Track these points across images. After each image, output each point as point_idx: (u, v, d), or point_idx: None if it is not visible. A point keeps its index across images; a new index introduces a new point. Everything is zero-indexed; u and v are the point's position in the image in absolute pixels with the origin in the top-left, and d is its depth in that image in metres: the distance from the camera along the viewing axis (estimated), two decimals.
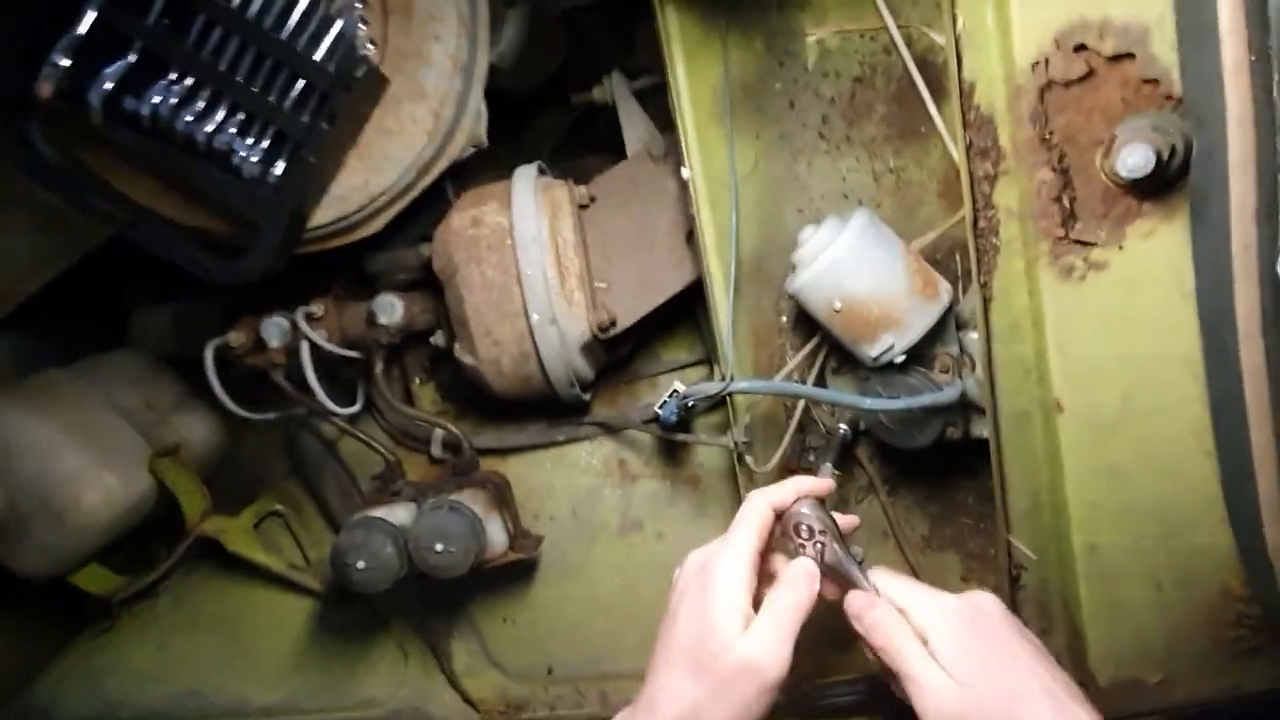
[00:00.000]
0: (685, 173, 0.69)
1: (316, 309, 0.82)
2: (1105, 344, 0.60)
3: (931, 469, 0.81)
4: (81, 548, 0.95)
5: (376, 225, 0.77)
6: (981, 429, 0.68)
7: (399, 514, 0.79)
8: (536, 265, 0.72)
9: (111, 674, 1.00)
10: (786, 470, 0.84)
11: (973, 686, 0.50)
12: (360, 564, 0.73)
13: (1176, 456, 0.60)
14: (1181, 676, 0.71)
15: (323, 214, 0.72)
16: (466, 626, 0.93)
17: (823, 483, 0.60)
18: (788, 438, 0.77)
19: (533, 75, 0.93)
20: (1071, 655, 0.74)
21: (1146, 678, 0.71)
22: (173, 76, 0.62)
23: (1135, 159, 0.48)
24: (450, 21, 0.68)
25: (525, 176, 0.77)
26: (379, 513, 0.78)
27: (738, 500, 0.81)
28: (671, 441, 0.88)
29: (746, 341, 0.79)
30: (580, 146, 0.99)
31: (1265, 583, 0.62)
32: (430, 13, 0.67)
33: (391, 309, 0.81)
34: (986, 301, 0.63)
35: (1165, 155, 0.50)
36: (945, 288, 0.66)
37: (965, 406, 0.68)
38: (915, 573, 0.84)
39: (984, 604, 0.55)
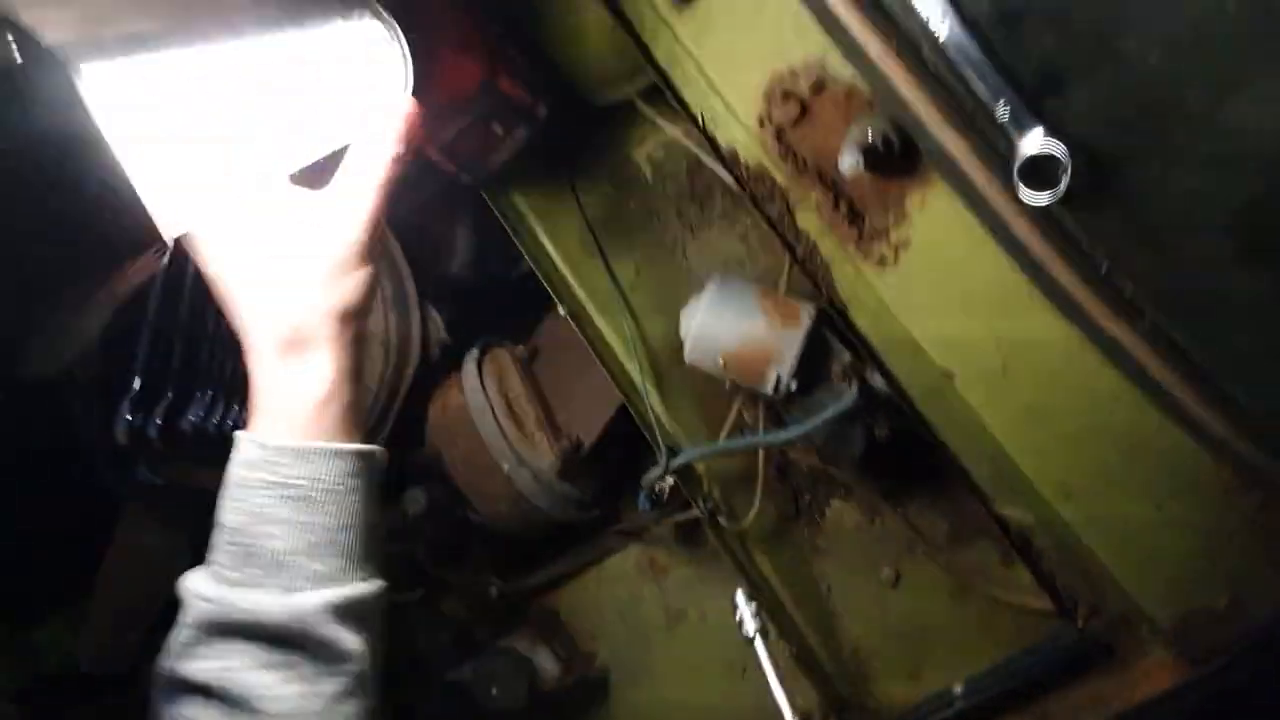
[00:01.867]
0: (562, 310, 0.82)
1: None
2: (947, 305, 0.63)
3: (923, 469, 0.82)
4: None
5: (380, 439, 0.94)
6: (903, 421, 0.70)
7: (467, 671, 0.89)
8: (490, 426, 0.86)
9: None
10: (785, 517, 0.87)
11: None
12: None
13: (1075, 374, 0.60)
14: (1250, 586, 0.64)
15: None
16: None
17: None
18: (759, 488, 0.82)
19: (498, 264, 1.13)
20: (1125, 609, 0.70)
21: (1213, 603, 0.65)
22: (198, 395, 0.85)
23: (847, 162, 0.56)
24: None
25: (469, 359, 0.94)
26: (451, 676, 0.89)
27: (742, 563, 0.85)
28: (687, 526, 0.94)
29: (695, 415, 0.87)
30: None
31: (1249, 463, 0.58)
32: None
33: (416, 501, 0.96)
34: (844, 310, 0.69)
35: (881, 144, 0.57)
36: (807, 311, 0.72)
37: (882, 404, 0.71)
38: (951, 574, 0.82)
39: None
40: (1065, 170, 0.50)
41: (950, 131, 0.55)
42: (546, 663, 0.89)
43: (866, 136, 0.56)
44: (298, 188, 0.53)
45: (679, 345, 0.86)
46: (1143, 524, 0.64)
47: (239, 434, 0.51)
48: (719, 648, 0.83)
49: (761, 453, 0.83)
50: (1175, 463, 0.61)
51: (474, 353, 0.95)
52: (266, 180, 0.51)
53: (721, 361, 0.72)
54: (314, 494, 0.50)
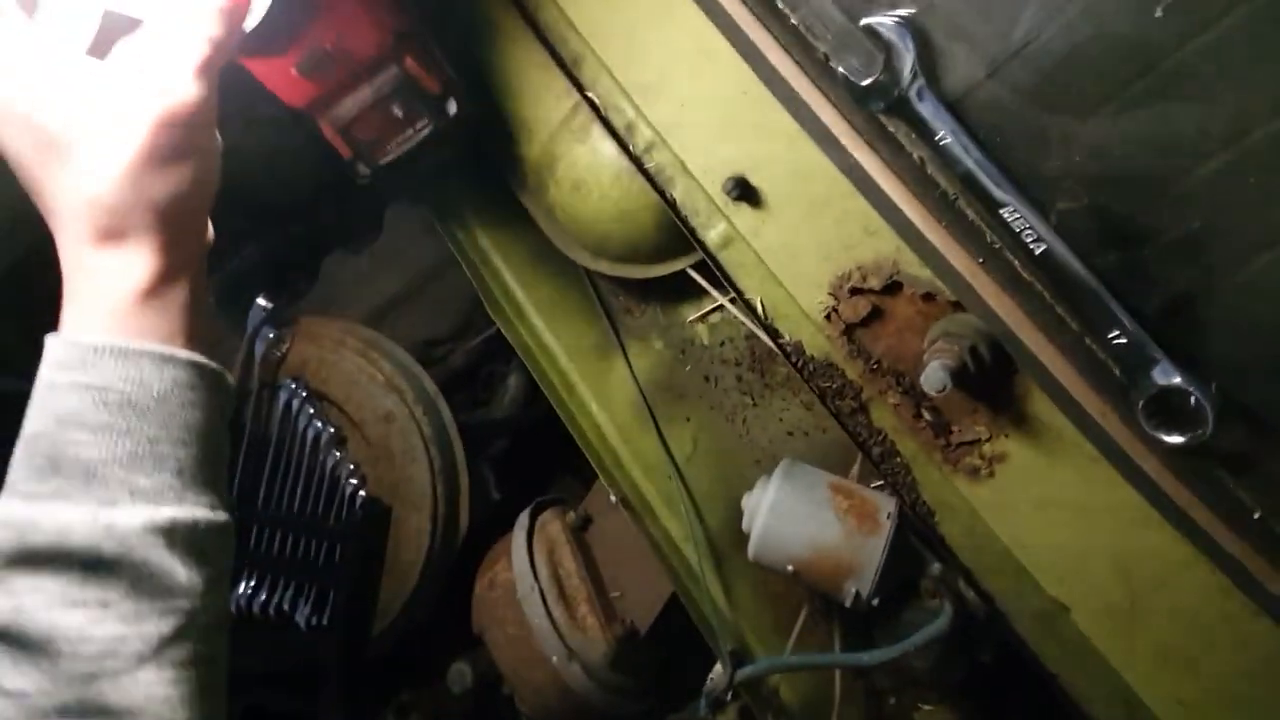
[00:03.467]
0: (613, 498, 0.76)
1: (407, 696, 0.94)
2: (1057, 529, 0.54)
3: (1029, 683, 0.70)
4: None
5: (424, 613, 0.90)
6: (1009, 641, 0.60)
7: None
8: (539, 612, 0.80)
9: None
10: None
11: None
12: None
13: (1223, 620, 0.50)
14: None
15: (377, 626, 0.86)
16: None
17: None
18: (836, 707, 0.72)
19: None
20: None
21: None
22: (246, 575, 0.83)
23: (933, 382, 0.49)
24: (418, 444, 0.85)
25: (520, 527, 0.89)
26: None
27: None
28: None
29: (760, 606, 0.78)
30: None
31: None
32: (403, 446, 0.85)
33: (462, 677, 0.90)
34: (929, 517, 0.60)
35: (969, 359, 0.50)
36: (886, 513, 0.64)
37: (982, 623, 0.62)
38: None
39: None
40: (1207, 413, 0.42)
41: (1054, 353, 0.47)
42: None
43: (955, 357, 0.49)
44: (115, 48, 0.44)
45: (740, 526, 0.79)
46: None
47: (47, 337, 0.41)
48: None
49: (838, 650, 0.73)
50: None
51: (524, 521, 0.90)
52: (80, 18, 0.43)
53: (791, 569, 0.64)
54: (138, 399, 0.41)
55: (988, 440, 0.55)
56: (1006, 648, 0.63)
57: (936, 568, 0.63)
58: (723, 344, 0.83)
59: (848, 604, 0.63)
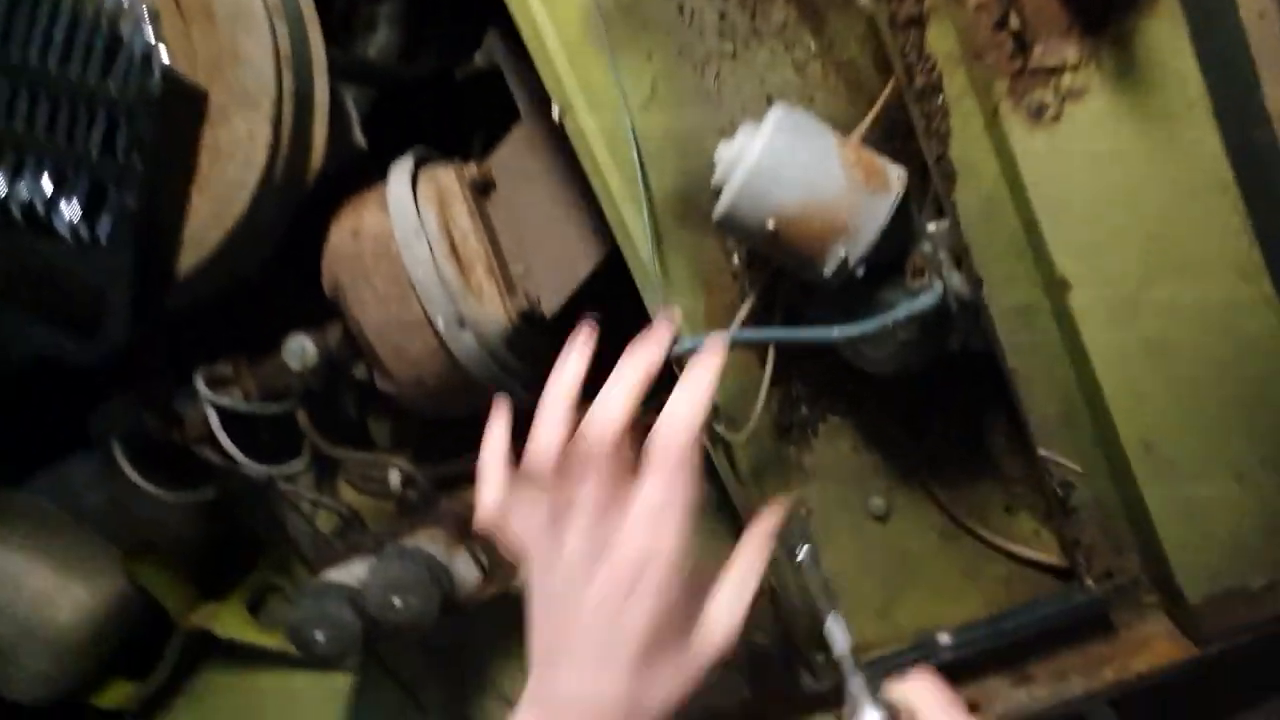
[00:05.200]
0: (555, 112, 0.59)
1: (224, 368, 0.74)
2: (1106, 193, 0.47)
3: (950, 387, 0.69)
4: (75, 667, 0.92)
5: (253, 261, 0.68)
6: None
7: (358, 571, 0.71)
8: (426, 265, 0.63)
9: None
10: (777, 428, 0.73)
11: None
12: (320, 636, 0.65)
13: (1228, 313, 0.47)
14: None
15: (185, 261, 0.64)
16: (487, 681, 0.86)
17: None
18: (763, 394, 0.66)
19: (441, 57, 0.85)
20: (1152, 576, 0.63)
21: (1248, 584, 0.59)
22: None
23: None
24: (256, 8, 0.58)
25: (401, 169, 0.68)
26: (335, 574, 0.70)
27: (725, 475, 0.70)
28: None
29: (695, 292, 0.68)
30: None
31: None
32: (231, 6, 0.58)
33: (302, 352, 0.72)
34: (949, 179, 0.51)
35: None
36: (897, 174, 0.54)
37: (961, 309, 0.56)
38: (949, 514, 0.72)
39: None
40: None
41: None
42: (467, 570, 0.72)
43: None
44: None
45: (690, 199, 0.66)
46: (1216, 491, 0.55)
47: None
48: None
49: (772, 354, 0.66)
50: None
51: (407, 163, 0.69)
52: None
53: (771, 225, 0.53)
54: None
55: (1074, 68, 0.44)
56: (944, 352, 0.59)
57: (928, 246, 0.55)
58: None
59: (828, 273, 0.54)
